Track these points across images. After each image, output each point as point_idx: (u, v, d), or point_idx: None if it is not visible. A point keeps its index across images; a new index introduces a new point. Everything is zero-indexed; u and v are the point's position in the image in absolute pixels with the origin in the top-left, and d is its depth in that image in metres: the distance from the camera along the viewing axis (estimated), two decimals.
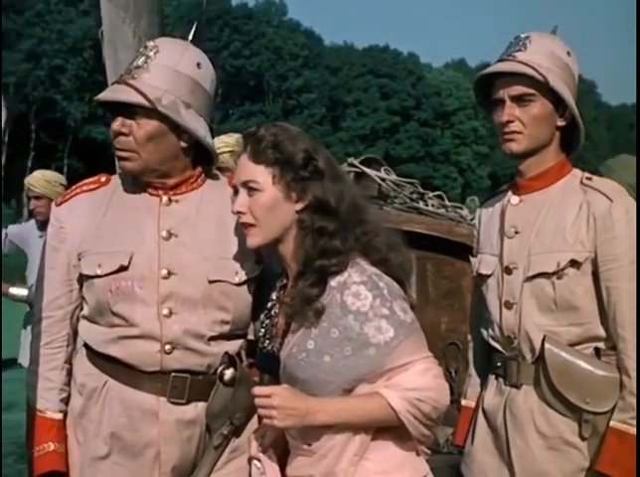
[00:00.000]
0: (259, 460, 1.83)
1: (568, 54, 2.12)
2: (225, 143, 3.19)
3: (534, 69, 2.03)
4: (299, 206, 1.77)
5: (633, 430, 1.97)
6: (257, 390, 1.73)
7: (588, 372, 2.02)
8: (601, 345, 2.06)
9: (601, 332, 2.05)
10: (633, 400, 1.97)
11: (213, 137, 2.04)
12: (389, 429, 1.75)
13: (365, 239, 1.78)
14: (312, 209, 1.76)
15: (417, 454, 1.78)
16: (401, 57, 60.73)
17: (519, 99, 2.06)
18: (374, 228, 1.81)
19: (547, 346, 2.04)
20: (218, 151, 3.31)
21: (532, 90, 2.05)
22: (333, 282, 1.73)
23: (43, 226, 4.44)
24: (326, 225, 1.74)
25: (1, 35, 26.26)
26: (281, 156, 1.76)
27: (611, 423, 2.00)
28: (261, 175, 1.78)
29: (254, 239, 1.81)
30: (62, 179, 4.67)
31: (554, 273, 2.03)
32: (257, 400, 1.71)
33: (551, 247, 2.05)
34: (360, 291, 1.71)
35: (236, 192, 1.84)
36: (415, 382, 1.71)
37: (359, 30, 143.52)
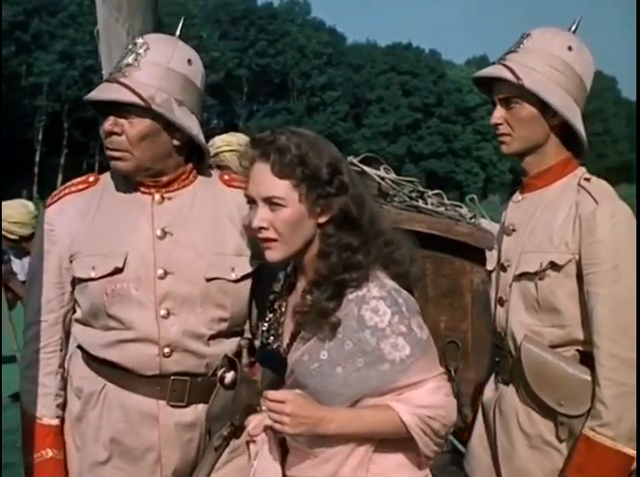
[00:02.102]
0: (254, 442, 1.79)
1: (570, 49, 2.03)
2: (226, 142, 3.14)
3: (512, 71, 1.99)
4: (322, 219, 1.69)
5: (600, 439, 1.89)
6: (271, 394, 1.66)
7: (564, 374, 1.95)
8: (583, 348, 1.98)
9: (584, 335, 1.97)
10: (601, 408, 1.89)
11: (205, 134, 1.96)
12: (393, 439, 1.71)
13: (386, 251, 1.72)
14: (336, 222, 1.68)
15: (419, 457, 1.73)
16: (423, 54, 60.50)
17: (507, 102, 2.03)
18: (394, 238, 1.75)
19: (524, 345, 1.98)
20: (218, 150, 3.26)
21: (514, 93, 2.01)
22: (351, 295, 1.67)
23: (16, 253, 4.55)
24: (351, 240, 1.68)
25: (1, 37, 26.53)
26: (308, 171, 1.66)
27: (583, 429, 1.93)
28: (286, 190, 1.67)
29: (275, 254, 1.70)
30: (16, 216, 4.40)
31: (535, 274, 1.98)
32: (270, 405, 1.65)
33: (538, 247, 2.00)
34: (379, 307, 1.65)
35: (249, 202, 1.73)
36: (428, 399, 1.67)
37: (381, 28, 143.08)
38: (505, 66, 2.01)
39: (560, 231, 1.97)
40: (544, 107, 2.00)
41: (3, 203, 4.54)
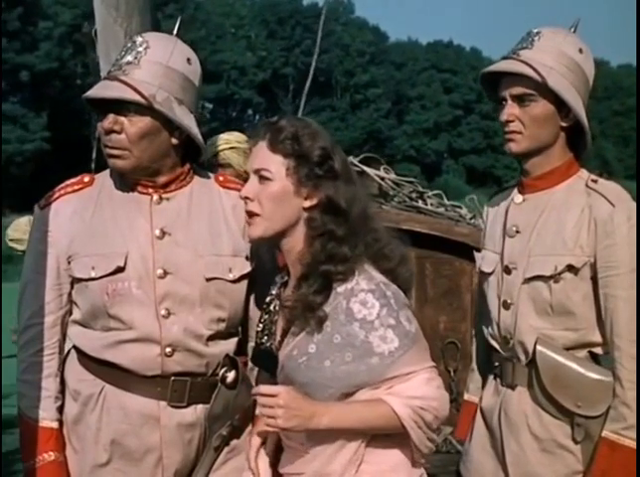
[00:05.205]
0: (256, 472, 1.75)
1: (580, 51, 1.98)
2: (225, 141, 3.16)
3: (534, 68, 1.91)
4: (308, 203, 1.66)
5: (625, 441, 1.85)
6: (263, 389, 1.63)
7: (580, 375, 1.91)
8: (597, 350, 1.95)
9: (597, 338, 1.94)
10: (625, 411, 1.85)
11: (202, 133, 1.92)
12: (385, 435, 1.66)
13: (376, 247, 1.68)
14: (322, 208, 1.65)
15: (412, 455, 1.68)
16: (464, 52, 59.72)
17: (520, 99, 1.95)
18: (384, 236, 1.71)
19: (538, 348, 1.93)
20: (218, 149, 3.24)
21: (531, 91, 1.93)
22: (340, 288, 1.63)
23: None
24: (336, 228, 1.64)
25: (0, 32, 26.83)
26: (299, 149, 1.65)
27: (603, 433, 1.88)
28: (276, 165, 1.66)
29: (256, 230, 1.69)
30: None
31: (550, 277, 1.92)
32: (262, 400, 1.61)
33: (550, 250, 1.94)
34: (367, 299, 1.62)
35: (246, 179, 1.73)
36: (420, 391, 1.63)
37: (423, 26, 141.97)
38: (523, 62, 1.94)
39: (574, 233, 1.91)
40: (559, 107, 1.94)
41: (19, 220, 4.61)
